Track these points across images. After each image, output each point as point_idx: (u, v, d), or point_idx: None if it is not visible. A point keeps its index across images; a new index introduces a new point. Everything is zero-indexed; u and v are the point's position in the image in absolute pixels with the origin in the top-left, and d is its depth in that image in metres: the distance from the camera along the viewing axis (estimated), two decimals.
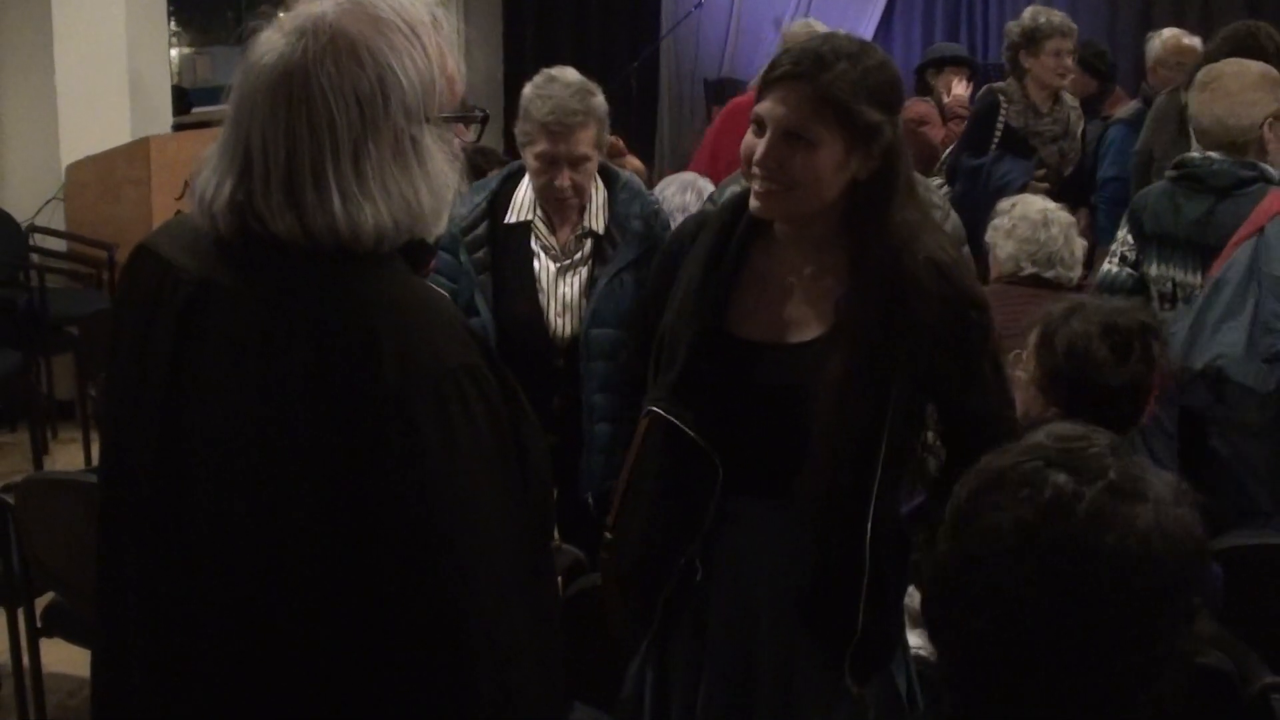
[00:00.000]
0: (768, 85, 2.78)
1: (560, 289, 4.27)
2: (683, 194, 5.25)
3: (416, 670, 1.93)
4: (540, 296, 4.26)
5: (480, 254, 4.23)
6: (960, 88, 8.17)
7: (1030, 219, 4.83)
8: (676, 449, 2.87)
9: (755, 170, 2.78)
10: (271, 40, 2.01)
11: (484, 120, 2.19)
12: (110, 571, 2.18)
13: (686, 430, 2.84)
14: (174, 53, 10.18)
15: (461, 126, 2.13)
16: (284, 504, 1.94)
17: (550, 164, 4.11)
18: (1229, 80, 4.72)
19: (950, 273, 2.82)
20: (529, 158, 4.15)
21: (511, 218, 4.28)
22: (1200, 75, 4.83)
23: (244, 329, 1.98)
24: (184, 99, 9.58)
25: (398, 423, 1.90)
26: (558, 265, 4.27)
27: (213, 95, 10.15)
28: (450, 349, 1.95)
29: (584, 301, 4.27)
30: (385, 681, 1.94)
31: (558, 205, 4.22)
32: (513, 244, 4.27)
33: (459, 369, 1.94)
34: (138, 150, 8.15)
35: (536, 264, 4.27)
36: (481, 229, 4.24)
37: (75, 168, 8.27)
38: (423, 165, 2.03)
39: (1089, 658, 1.74)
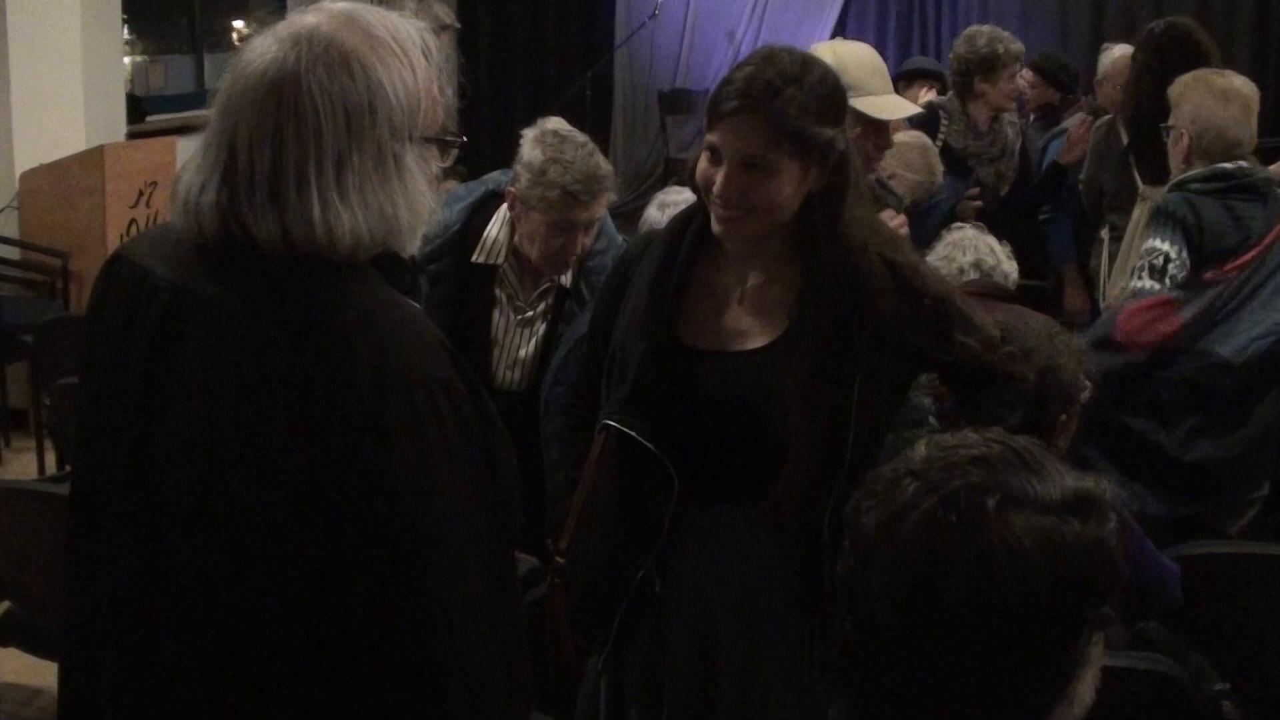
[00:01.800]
0: (720, 118, 2.78)
1: (515, 342, 4.14)
2: (660, 212, 5.20)
3: (386, 679, 1.94)
4: (493, 348, 4.13)
5: (440, 288, 4.08)
6: (928, 99, 8.16)
7: (958, 244, 4.84)
8: (631, 462, 2.88)
9: (716, 200, 2.79)
10: (264, 46, 2.03)
11: (462, 145, 2.22)
12: (80, 580, 2.18)
13: (641, 440, 2.84)
14: (128, 61, 10.15)
15: (436, 151, 2.15)
16: (258, 511, 1.95)
17: (567, 230, 3.92)
18: (1245, 96, 4.75)
19: (902, 269, 2.85)
20: (536, 222, 3.94)
21: (480, 258, 4.10)
22: (1216, 88, 4.78)
23: (221, 336, 1.99)
24: (138, 107, 9.55)
25: (371, 433, 1.91)
26: (519, 317, 4.14)
27: (167, 104, 10.21)
28: (424, 361, 1.97)
29: (538, 357, 4.13)
30: (355, 689, 1.95)
31: (558, 266, 4.05)
32: (475, 285, 4.12)
33: (433, 381, 1.96)
34: (92, 158, 8.14)
35: (496, 312, 4.13)
36: (446, 262, 4.09)
37: (29, 176, 8.24)
38: (403, 181, 2.05)
39: (946, 668, 1.73)
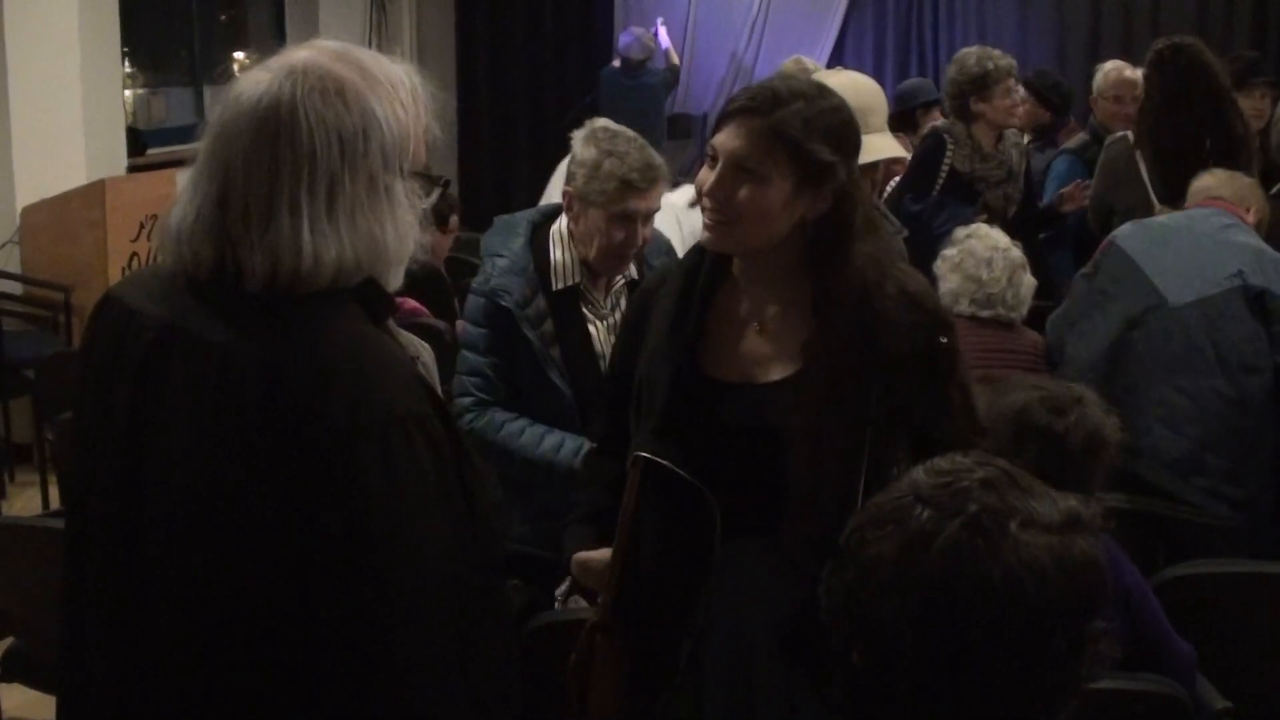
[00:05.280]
0: (723, 118, 2.80)
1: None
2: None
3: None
4: (600, 362, 4.09)
5: (545, 327, 4.06)
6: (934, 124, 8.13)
7: (976, 255, 4.84)
8: (669, 497, 2.84)
9: (705, 202, 2.79)
10: (257, 77, 2.07)
11: (445, 185, 2.26)
12: (74, 616, 2.20)
13: (677, 471, 2.80)
14: (128, 94, 10.17)
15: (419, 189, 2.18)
16: (234, 548, 1.96)
17: (628, 221, 3.96)
18: None
19: (922, 300, 2.82)
20: (596, 218, 3.98)
21: (559, 284, 4.11)
22: None
23: (201, 373, 2.01)
24: (138, 140, 9.57)
25: (342, 467, 1.92)
26: (606, 324, 4.15)
27: (167, 136, 10.21)
28: (400, 397, 1.98)
29: None
30: None
31: (620, 263, 4.08)
32: (566, 312, 4.11)
33: (408, 417, 1.97)
34: (93, 192, 8.16)
35: (591, 329, 4.14)
36: (539, 300, 4.07)
37: (30, 210, 8.26)
38: (393, 210, 2.08)
39: (965, 691, 1.76)
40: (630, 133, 4.06)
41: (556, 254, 4.12)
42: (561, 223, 4.14)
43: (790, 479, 2.74)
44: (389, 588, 1.94)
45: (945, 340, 2.83)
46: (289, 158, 2.02)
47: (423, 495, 1.97)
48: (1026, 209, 6.85)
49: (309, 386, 1.94)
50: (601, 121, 4.13)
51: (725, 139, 2.78)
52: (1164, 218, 5.04)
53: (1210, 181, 4.96)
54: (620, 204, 3.94)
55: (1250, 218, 4.76)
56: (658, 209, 4.07)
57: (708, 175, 2.80)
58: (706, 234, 2.83)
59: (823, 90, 2.82)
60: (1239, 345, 4.37)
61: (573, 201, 4.04)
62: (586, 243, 4.05)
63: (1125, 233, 4.86)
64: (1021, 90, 8.02)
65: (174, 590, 2.02)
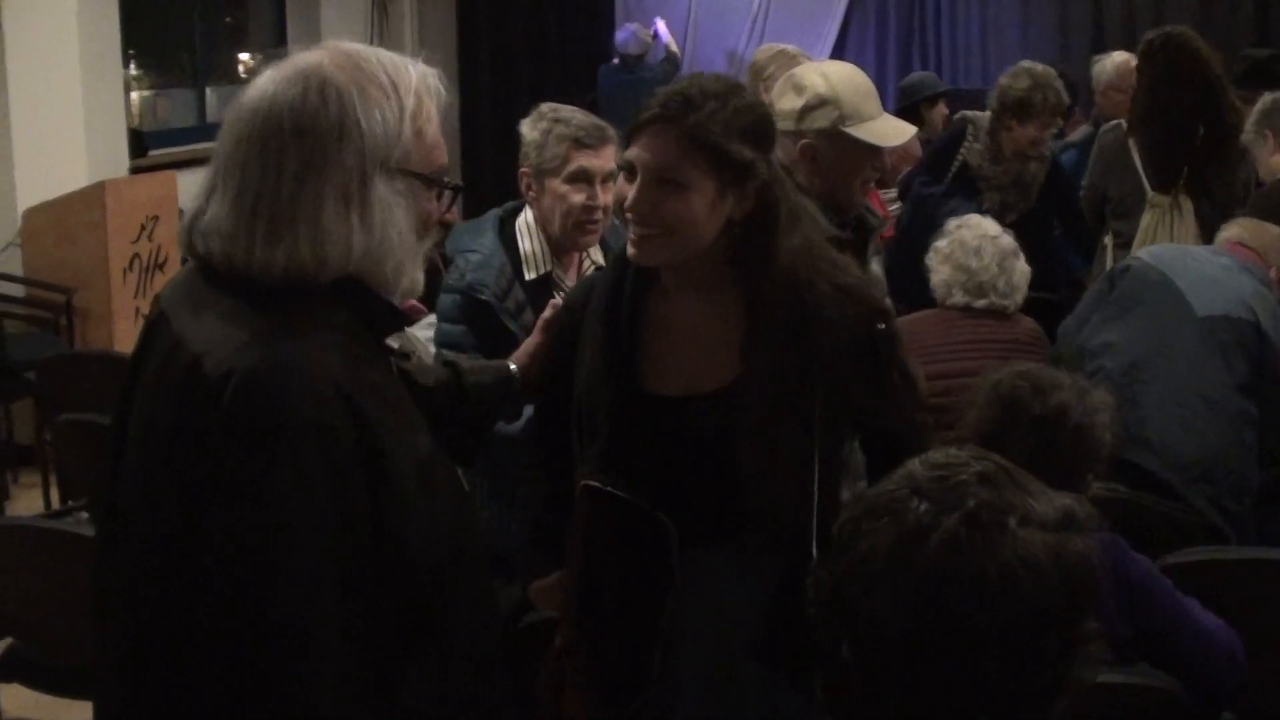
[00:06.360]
0: (636, 129, 2.76)
1: None
2: None
3: None
4: None
5: (525, 318, 4.02)
6: (961, 112, 8.02)
7: (965, 245, 4.81)
8: (623, 521, 2.81)
9: (629, 216, 2.76)
10: (260, 78, 2.13)
11: (456, 191, 2.26)
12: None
13: (628, 499, 2.78)
14: (136, 96, 10.18)
15: (436, 202, 2.20)
16: (151, 548, 2.01)
17: (586, 182, 4.01)
18: None
19: (853, 292, 2.81)
20: (554, 188, 4.03)
21: (531, 273, 4.13)
22: None
23: (158, 359, 2.07)
24: (140, 142, 9.57)
25: (224, 466, 1.94)
26: None
27: (169, 138, 10.21)
28: (304, 405, 1.97)
29: None
30: None
31: (588, 232, 4.08)
32: (541, 300, 3.96)
33: (305, 427, 1.96)
34: (94, 194, 8.16)
35: None
36: (515, 291, 4.07)
37: (32, 213, 8.27)
38: (366, 208, 2.09)
39: (958, 688, 1.75)
40: (571, 107, 4.16)
41: (525, 244, 4.15)
42: (526, 215, 4.17)
43: (744, 484, 2.73)
44: (250, 590, 1.93)
45: (883, 326, 2.83)
46: (258, 154, 2.06)
47: (304, 507, 1.95)
48: (1040, 212, 6.68)
49: (214, 382, 1.96)
50: (545, 105, 4.20)
51: (641, 151, 2.75)
52: (1186, 246, 5.19)
53: (1238, 231, 4.99)
54: (574, 163, 4.00)
55: (1273, 273, 4.77)
56: (612, 170, 4.04)
57: (627, 189, 2.77)
58: (633, 249, 2.80)
59: (734, 88, 2.80)
60: (1251, 364, 4.42)
61: (530, 182, 4.10)
62: (550, 220, 4.08)
63: (1147, 251, 4.95)
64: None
65: (124, 569, 2.07)
